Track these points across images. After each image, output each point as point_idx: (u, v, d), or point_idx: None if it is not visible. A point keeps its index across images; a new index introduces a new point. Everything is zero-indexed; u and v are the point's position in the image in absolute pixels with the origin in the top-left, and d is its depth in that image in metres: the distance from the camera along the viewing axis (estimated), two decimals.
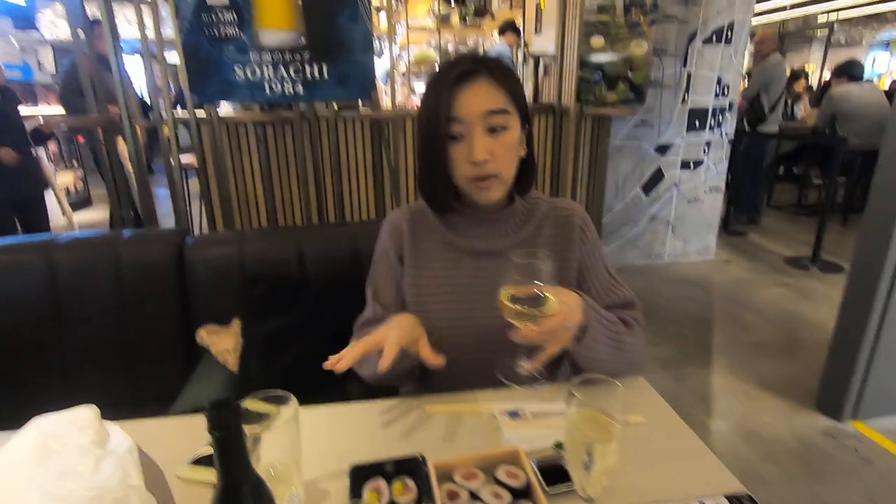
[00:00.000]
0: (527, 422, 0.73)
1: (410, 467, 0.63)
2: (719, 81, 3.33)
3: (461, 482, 0.59)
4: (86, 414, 0.68)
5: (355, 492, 0.59)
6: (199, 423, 0.80)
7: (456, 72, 0.77)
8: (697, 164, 3.43)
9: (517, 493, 0.57)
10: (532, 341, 0.71)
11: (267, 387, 1.07)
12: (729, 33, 3.26)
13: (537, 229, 0.90)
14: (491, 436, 0.72)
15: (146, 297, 1.26)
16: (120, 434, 0.66)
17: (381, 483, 0.60)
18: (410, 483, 0.60)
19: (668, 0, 3.08)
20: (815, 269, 3.42)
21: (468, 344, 0.87)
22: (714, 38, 3.23)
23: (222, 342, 1.15)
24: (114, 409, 0.71)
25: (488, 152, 0.78)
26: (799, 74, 5.41)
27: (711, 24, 3.20)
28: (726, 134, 3.46)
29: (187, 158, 2.93)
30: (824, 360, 1.96)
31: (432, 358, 0.74)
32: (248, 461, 0.45)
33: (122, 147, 3.18)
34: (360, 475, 0.62)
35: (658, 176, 3.40)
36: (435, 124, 0.78)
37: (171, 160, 2.35)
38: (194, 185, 3.01)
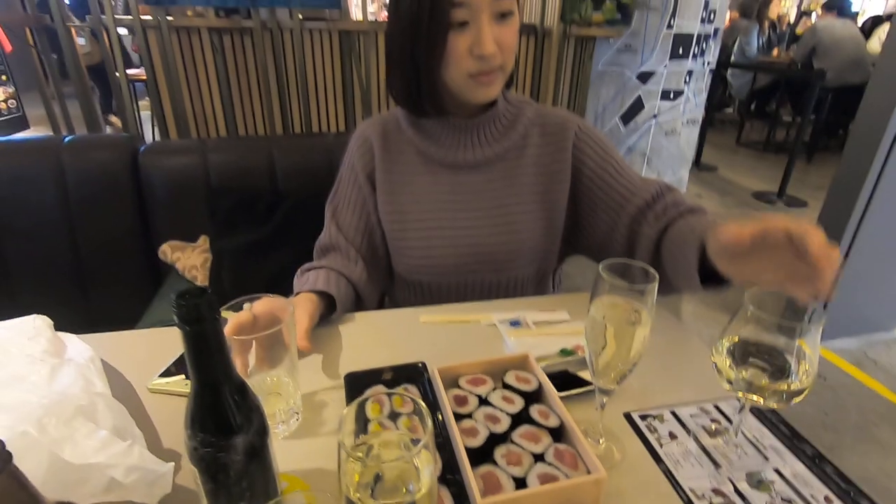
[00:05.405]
0: (529, 330, 0.69)
1: (411, 374, 0.59)
2: (706, 5, 3.19)
3: (468, 388, 0.55)
4: (35, 323, 0.59)
5: (353, 400, 0.54)
6: (169, 335, 0.72)
7: None
8: (678, 94, 3.35)
9: (528, 397, 0.53)
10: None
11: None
12: None
13: (523, 138, 0.81)
14: (493, 344, 0.68)
15: (96, 210, 1.13)
16: (78, 344, 0.58)
17: (382, 393, 0.55)
18: (413, 391, 0.55)
19: None
20: (780, 203, 3.52)
21: (454, 264, 0.81)
22: None
23: (189, 258, 1.05)
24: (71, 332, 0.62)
25: (496, 42, 0.67)
26: None
27: None
28: (708, 63, 3.37)
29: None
30: None
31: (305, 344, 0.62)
32: (228, 359, 0.37)
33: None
34: (357, 384, 0.57)
35: (638, 106, 3.32)
36: (429, 8, 0.65)
37: (116, 68, 2.10)
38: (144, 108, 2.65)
